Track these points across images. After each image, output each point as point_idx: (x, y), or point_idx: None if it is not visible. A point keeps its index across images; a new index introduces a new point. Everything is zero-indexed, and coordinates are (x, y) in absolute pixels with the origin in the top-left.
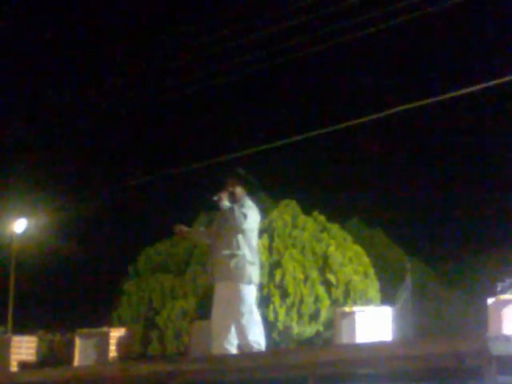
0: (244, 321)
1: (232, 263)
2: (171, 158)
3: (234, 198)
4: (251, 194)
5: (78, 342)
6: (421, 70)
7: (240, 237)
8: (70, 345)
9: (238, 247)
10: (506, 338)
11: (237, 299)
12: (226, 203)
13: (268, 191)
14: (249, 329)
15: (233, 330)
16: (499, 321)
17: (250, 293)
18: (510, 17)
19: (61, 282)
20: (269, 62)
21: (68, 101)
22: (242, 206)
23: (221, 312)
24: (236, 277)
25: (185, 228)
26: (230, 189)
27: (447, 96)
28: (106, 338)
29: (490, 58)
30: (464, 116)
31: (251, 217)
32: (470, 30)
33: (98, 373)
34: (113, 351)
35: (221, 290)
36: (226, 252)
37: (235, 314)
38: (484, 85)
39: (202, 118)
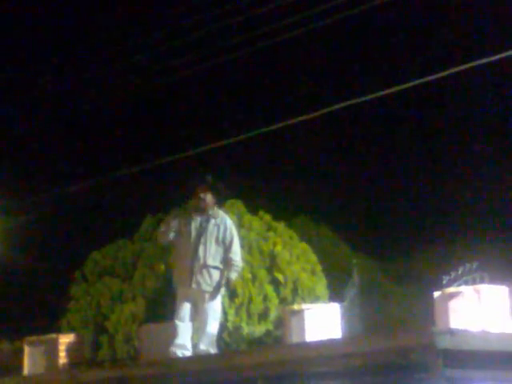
0: (211, 328)
1: (215, 275)
2: (112, 161)
3: (204, 206)
4: (219, 202)
5: (26, 349)
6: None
7: (222, 250)
8: (19, 353)
9: (221, 260)
10: (452, 332)
11: (210, 308)
12: (220, 213)
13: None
14: (214, 336)
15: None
16: (446, 314)
17: (221, 303)
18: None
19: (6, 289)
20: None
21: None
22: (225, 219)
23: (189, 316)
24: (215, 287)
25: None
26: (201, 196)
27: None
28: (55, 344)
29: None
30: (407, 105)
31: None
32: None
33: (47, 381)
34: (63, 358)
35: (194, 296)
36: (211, 263)
37: (203, 320)
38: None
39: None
